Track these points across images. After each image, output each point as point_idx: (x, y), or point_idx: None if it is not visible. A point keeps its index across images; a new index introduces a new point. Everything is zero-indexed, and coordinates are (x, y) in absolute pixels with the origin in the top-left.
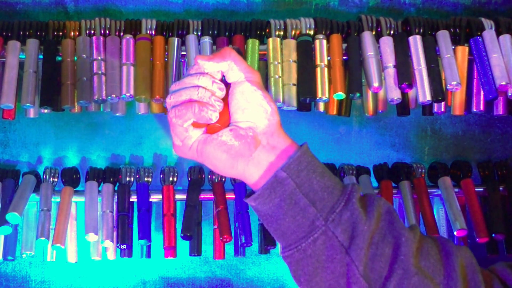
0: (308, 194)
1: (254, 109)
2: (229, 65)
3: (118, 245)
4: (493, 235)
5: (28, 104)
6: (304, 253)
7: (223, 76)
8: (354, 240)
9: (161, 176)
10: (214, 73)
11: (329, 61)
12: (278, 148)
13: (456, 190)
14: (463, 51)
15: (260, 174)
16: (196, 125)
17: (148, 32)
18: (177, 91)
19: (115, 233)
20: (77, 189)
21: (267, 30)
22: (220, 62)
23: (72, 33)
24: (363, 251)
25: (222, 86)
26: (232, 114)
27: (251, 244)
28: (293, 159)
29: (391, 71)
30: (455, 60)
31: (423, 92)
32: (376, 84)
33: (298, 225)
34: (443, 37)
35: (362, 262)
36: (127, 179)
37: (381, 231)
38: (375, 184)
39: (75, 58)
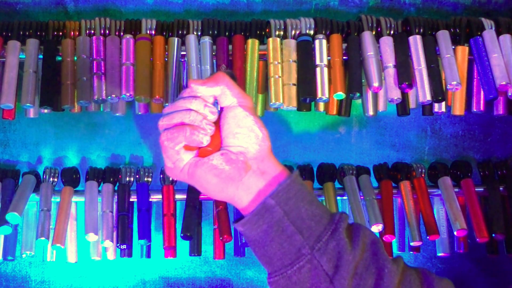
0: (296, 222)
1: (246, 134)
2: (222, 90)
3: (118, 245)
4: (493, 235)
5: (28, 104)
6: (289, 280)
7: (215, 100)
8: (338, 270)
9: (161, 176)
10: (207, 97)
11: (329, 61)
12: (268, 174)
13: (456, 190)
14: (463, 51)
15: (249, 199)
16: (187, 148)
17: (148, 32)
18: (169, 114)
19: (115, 233)
20: (77, 189)
21: (267, 30)
22: (213, 86)
23: (72, 33)
24: (347, 281)
25: (214, 109)
26: (224, 138)
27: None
28: (282, 186)
29: (391, 71)
30: (455, 60)
31: (423, 92)
32: (376, 84)
33: (285, 252)
34: (443, 37)
35: None
36: (127, 179)
37: (365, 261)
38: (375, 184)
39: (75, 58)
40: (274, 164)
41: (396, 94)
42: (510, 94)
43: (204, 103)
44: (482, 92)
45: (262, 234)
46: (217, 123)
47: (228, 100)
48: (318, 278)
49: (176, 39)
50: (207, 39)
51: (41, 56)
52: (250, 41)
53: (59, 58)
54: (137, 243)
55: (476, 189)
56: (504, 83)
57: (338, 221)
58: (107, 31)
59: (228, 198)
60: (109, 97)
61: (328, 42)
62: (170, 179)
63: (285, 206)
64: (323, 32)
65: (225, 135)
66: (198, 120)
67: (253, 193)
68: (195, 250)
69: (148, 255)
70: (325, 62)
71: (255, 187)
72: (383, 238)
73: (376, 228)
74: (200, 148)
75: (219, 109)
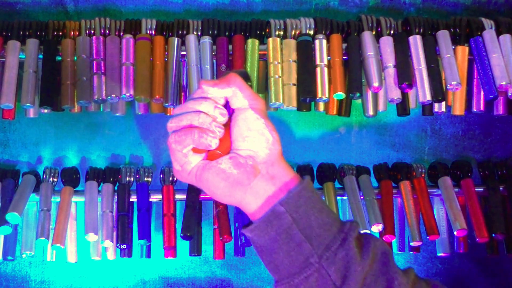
0: (305, 230)
1: (256, 137)
2: (233, 92)
3: (118, 245)
4: (493, 235)
5: (28, 104)
6: None
7: (227, 101)
8: (346, 280)
9: (161, 176)
10: (218, 98)
11: (329, 61)
12: (278, 179)
13: (456, 190)
14: (463, 51)
15: (258, 205)
16: (196, 150)
17: (148, 32)
18: (178, 115)
19: (115, 233)
20: (77, 189)
21: (267, 30)
22: (225, 88)
23: (72, 33)
24: None
25: (225, 111)
26: (233, 141)
27: (251, 244)
28: (293, 193)
29: (391, 71)
30: (455, 60)
31: (423, 92)
32: (376, 84)
33: (292, 260)
34: (443, 37)
35: None
36: (127, 179)
37: (374, 272)
38: (375, 184)
39: (75, 58)
40: (284, 169)
41: (396, 94)
42: (510, 94)
43: (214, 105)
44: (482, 92)
45: (270, 241)
46: (227, 125)
47: (240, 102)
48: None
49: (176, 39)
50: (207, 39)
51: (41, 56)
52: (250, 41)
53: (59, 58)
54: (137, 243)
55: (476, 189)
56: (504, 83)
57: (349, 231)
58: (107, 31)
59: (236, 202)
60: (109, 97)
61: (328, 42)
62: (170, 179)
63: (294, 214)
64: (323, 32)
65: (234, 138)
66: (207, 122)
67: (262, 199)
68: (195, 250)
69: (148, 255)
70: (325, 62)
71: (263, 192)
72: (383, 238)
73: (376, 228)
74: (209, 151)
75: (230, 111)
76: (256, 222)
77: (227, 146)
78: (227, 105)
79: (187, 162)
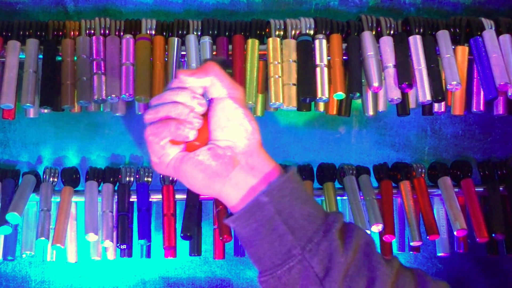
0: (288, 221)
1: (235, 128)
2: (211, 81)
3: (118, 245)
4: (493, 235)
5: (28, 104)
6: (279, 281)
7: (205, 90)
8: (329, 272)
9: (161, 176)
10: (196, 88)
11: (329, 61)
12: (258, 170)
13: (456, 190)
14: (463, 51)
15: (237, 196)
16: (174, 142)
17: (148, 32)
18: (155, 107)
19: (115, 233)
20: (77, 189)
21: (267, 30)
22: (203, 77)
23: (72, 33)
24: (338, 284)
25: (203, 101)
26: (212, 131)
27: None
28: (276, 184)
29: (391, 71)
30: (455, 60)
31: (423, 92)
32: (376, 84)
33: (275, 252)
34: (443, 37)
35: None
36: (127, 179)
37: (357, 263)
38: (375, 184)
39: (75, 58)
40: (264, 159)
41: (396, 94)
42: (510, 94)
43: (192, 95)
44: (482, 92)
45: (252, 232)
46: (206, 116)
47: (218, 91)
48: (308, 280)
49: (176, 39)
50: (207, 39)
51: (41, 56)
52: (250, 41)
53: (59, 58)
54: (137, 243)
55: (476, 189)
56: (504, 83)
57: (333, 222)
58: (107, 31)
59: (216, 194)
60: (109, 97)
61: (328, 42)
62: (170, 178)
63: (278, 205)
64: (323, 32)
65: (213, 128)
66: (185, 113)
67: (242, 190)
68: (195, 250)
69: (148, 255)
70: (325, 62)
71: (243, 183)
72: (383, 238)
73: (376, 228)
74: (187, 142)
75: (208, 100)
76: (238, 212)
77: (206, 136)
78: (205, 95)
79: (165, 154)
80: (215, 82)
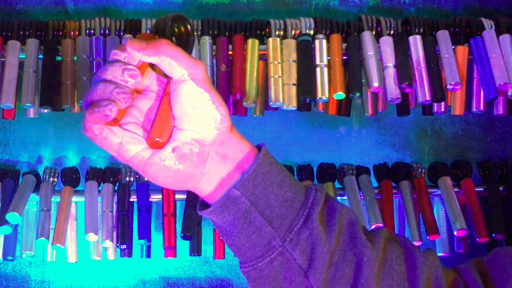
0: (264, 211)
1: (202, 117)
2: (164, 61)
3: (118, 245)
4: (493, 235)
5: (28, 104)
6: (260, 272)
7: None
8: (313, 263)
9: None
10: (132, 59)
11: (329, 61)
12: (230, 158)
13: (456, 190)
14: (463, 51)
15: (211, 189)
16: (108, 123)
17: (148, 32)
18: (88, 92)
19: (115, 233)
20: (77, 189)
21: (267, 30)
22: (151, 56)
23: (72, 33)
24: (323, 275)
25: (136, 72)
26: (177, 119)
27: None
28: (248, 174)
29: (391, 71)
30: (455, 60)
31: (423, 92)
32: (376, 84)
33: (254, 244)
34: (443, 37)
35: (321, 286)
36: (127, 179)
37: (341, 247)
38: (375, 184)
39: (75, 58)
40: (235, 145)
41: (396, 94)
42: (510, 94)
43: (122, 67)
44: (482, 92)
45: (228, 225)
46: (167, 104)
47: (176, 71)
48: (292, 271)
49: None
50: (207, 39)
51: (41, 56)
52: (250, 41)
53: (59, 58)
54: (137, 243)
55: (476, 189)
56: (504, 83)
57: (312, 204)
58: (107, 31)
59: (190, 189)
60: None
61: (328, 42)
62: None
63: (251, 196)
64: (323, 32)
65: (178, 116)
66: (108, 92)
67: (215, 182)
68: (195, 250)
69: (148, 255)
70: (325, 62)
71: (217, 176)
72: None
73: None
74: (148, 137)
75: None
76: (212, 207)
77: (168, 129)
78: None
79: (123, 150)
80: (170, 63)
